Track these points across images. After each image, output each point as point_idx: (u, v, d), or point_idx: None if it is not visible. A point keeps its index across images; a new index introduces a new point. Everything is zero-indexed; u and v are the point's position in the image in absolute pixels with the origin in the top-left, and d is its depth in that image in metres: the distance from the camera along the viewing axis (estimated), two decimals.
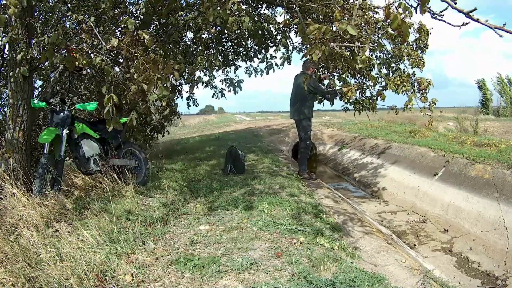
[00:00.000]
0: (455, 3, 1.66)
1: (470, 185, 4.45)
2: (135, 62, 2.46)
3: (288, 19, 3.92)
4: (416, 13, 1.85)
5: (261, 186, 4.24)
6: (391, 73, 4.52)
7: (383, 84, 4.45)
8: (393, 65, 4.54)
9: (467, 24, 1.73)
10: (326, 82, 5.69)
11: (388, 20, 1.82)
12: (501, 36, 1.51)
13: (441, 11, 1.91)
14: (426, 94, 3.90)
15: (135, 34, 2.46)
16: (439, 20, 1.96)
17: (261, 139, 9.64)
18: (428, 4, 1.78)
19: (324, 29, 1.95)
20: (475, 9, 1.58)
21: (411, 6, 1.85)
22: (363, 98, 4.71)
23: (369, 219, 4.30)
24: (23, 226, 2.44)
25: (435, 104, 3.89)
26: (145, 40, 2.50)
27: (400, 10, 1.77)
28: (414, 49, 4.14)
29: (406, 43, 4.01)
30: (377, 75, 4.54)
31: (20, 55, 3.09)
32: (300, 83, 5.37)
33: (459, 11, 1.64)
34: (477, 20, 1.58)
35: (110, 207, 2.93)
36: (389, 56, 4.48)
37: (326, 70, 5.58)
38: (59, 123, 3.60)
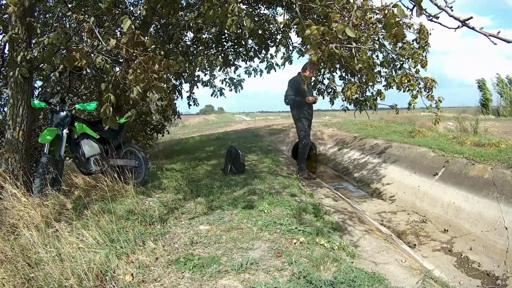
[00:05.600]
0: (452, 10, 1.68)
1: (470, 185, 4.44)
2: (134, 62, 2.46)
3: (288, 19, 3.92)
4: (412, 15, 1.87)
5: (261, 186, 4.24)
6: (393, 72, 4.53)
7: (384, 83, 4.46)
8: (397, 63, 4.55)
9: (461, 27, 1.75)
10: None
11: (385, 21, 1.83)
12: (495, 44, 1.53)
13: (437, 14, 1.92)
14: (432, 93, 3.93)
15: (134, 33, 2.46)
16: (435, 22, 1.97)
17: (261, 139, 9.64)
18: (423, 6, 1.79)
19: (323, 29, 1.96)
20: (471, 17, 1.61)
21: (407, 8, 1.86)
22: (364, 97, 4.72)
23: (369, 218, 4.30)
24: (23, 226, 2.45)
25: (441, 102, 3.92)
26: (145, 41, 2.51)
27: (395, 10, 1.77)
28: (416, 48, 4.15)
29: (401, 43, 4.04)
30: (377, 75, 4.54)
31: (20, 55, 3.09)
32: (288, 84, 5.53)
33: (455, 19, 1.65)
34: (472, 28, 1.60)
35: (110, 207, 2.94)
36: (394, 55, 4.49)
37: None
38: (59, 123, 3.60)
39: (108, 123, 2.48)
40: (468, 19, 1.62)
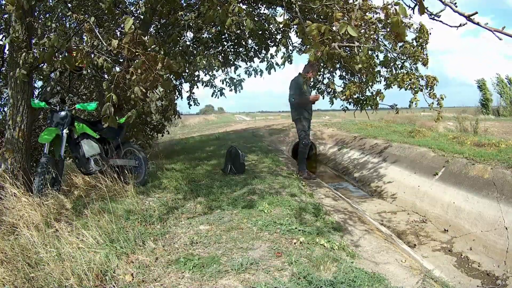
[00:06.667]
0: (456, 6, 1.67)
1: (470, 185, 4.44)
2: (136, 61, 2.46)
3: (288, 19, 3.92)
4: (414, 13, 1.86)
5: (261, 186, 4.24)
6: (394, 70, 4.54)
7: (384, 82, 4.47)
8: (398, 62, 4.56)
9: (464, 25, 1.74)
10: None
11: (388, 20, 1.82)
12: (500, 39, 1.53)
13: (438, 12, 1.91)
14: (434, 90, 3.94)
15: (134, 33, 2.46)
16: (437, 20, 1.97)
17: (261, 139, 9.65)
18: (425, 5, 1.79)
19: (324, 29, 1.95)
20: (476, 12, 1.60)
21: (409, 6, 1.86)
22: (364, 96, 4.73)
23: (369, 218, 4.30)
24: (23, 226, 2.45)
25: (443, 100, 3.93)
26: (146, 41, 2.51)
27: (397, 8, 1.77)
28: (415, 45, 4.16)
29: (403, 42, 4.05)
30: (376, 75, 4.55)
31: (22, 58, 3.10)
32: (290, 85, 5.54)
33: (460, 14, 1.65)
34: (477, 23, 1.59)
35: (110, 207, 2.94)
36: (395, 54, 4.49)
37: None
38: (59, 123, 3.60)
39: (109, 122, 2.50)
40: (472, 15, 1.61)
